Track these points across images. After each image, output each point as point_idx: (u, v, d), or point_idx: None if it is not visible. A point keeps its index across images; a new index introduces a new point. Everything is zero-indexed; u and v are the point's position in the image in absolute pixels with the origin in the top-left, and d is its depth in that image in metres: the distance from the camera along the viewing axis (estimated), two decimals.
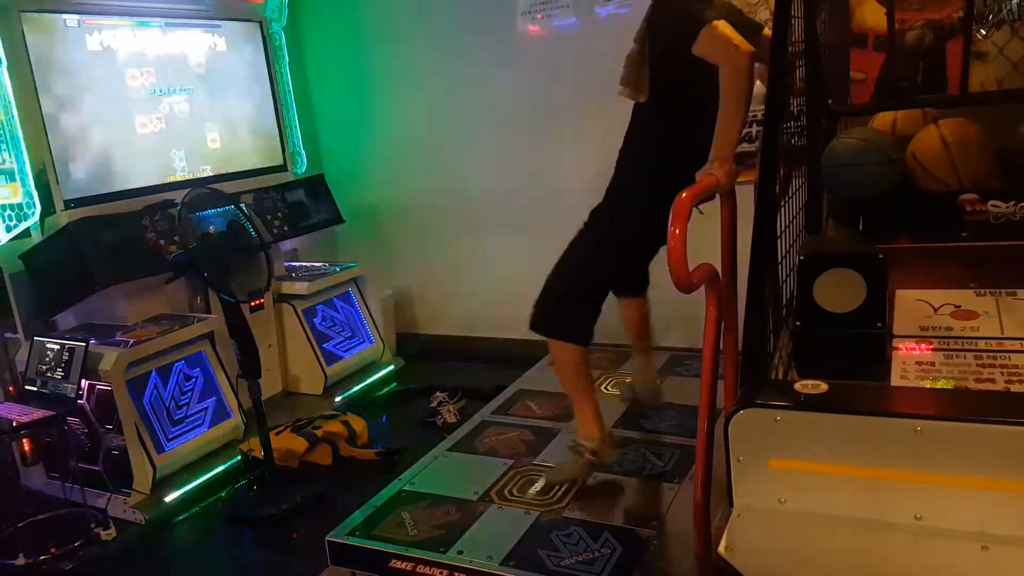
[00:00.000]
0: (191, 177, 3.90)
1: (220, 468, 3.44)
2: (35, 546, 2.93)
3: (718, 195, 2.21)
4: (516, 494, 2.62)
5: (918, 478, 1.26)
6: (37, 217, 3.26)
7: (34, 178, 3.23)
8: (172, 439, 3.37)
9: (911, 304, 1.78)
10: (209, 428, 3.53)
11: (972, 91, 1.91)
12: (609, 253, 2.58)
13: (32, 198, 3.23)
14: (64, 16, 3.38)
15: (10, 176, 3.22)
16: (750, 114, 3.68)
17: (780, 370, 1.68)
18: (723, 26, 2.17)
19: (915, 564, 1.27)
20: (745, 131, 3.75)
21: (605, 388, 3.46)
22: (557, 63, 4.15)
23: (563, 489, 2.62)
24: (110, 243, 3.34)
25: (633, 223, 2.52)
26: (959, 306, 1.75)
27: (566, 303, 2.59)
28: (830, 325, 1.72)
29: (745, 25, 2.51)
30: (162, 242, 3.49)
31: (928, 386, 1.53)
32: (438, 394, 3.92)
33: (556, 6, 4.10)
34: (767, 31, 2.51)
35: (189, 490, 3.29)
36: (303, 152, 4.61)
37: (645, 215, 2.41)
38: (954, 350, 1.63)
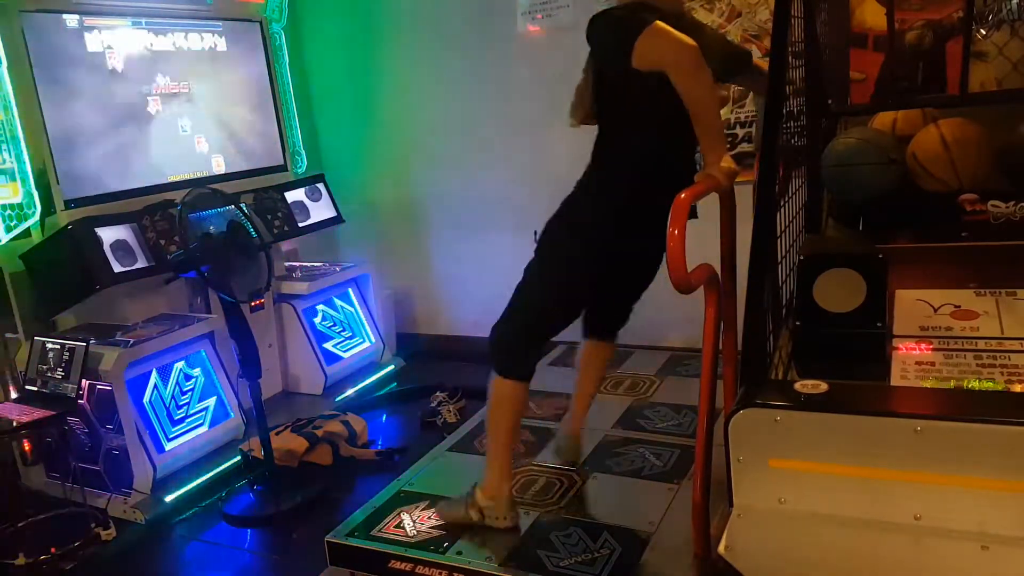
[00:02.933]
0: (191, 177, 3.90)
1: (220, 468, 3.44)
2: (35, 546, 2.93)
3: (717, 195, 2.21)
4: (516, 494, 2.61)
5: (918, 478, 1.26)
6: (37, 217, 3.26)
7: (34, 178, 3.23)
8: (172, 439, 3.37)
9: (911, 304, 1.78)
10: (209, 428, 3.53)
11: (972, 91, 1.91)
12: (552, 290, 2.34)
13: (32, 198, 3.23)
14: (64, 16, 3.38)
15: (10, 176, 3.22)
16: (750, 114, 3.72)
17: (780, 370, 1.68)
18: (663, 25, 1.92)
19: (915, 564, 1.27)
20: (745, 131, 3.77)
21: (603, 388, 3.45)
22: (557, 63, 4.14)
23: (562, 489, 2.62)
24: (110, 243, 3.34)
25: (574, 265, 2.29)
26: (959, 306, 1.75)
27: (507, 337, 2.42)
28: (830, 325, 1.72)
29: (732, 53, 2.39)
30: (162, 242, 3.49)
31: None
32: (438, 394, 3.92)
33: (556, 6, 4.09)
34: (757, 61, 2.41)
35: (189, 490, 3.29)
36: (303, 152, 4.62)
37: (589, 256, 2.26)
38: (954, 350, 1.64)
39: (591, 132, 2.80)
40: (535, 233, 2.42)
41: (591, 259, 2.28)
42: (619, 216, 2.20)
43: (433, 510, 2.55)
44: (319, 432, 3.44)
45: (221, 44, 4.11)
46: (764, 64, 2.30)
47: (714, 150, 2.03)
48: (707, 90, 1.97)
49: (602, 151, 2.28)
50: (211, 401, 3.58)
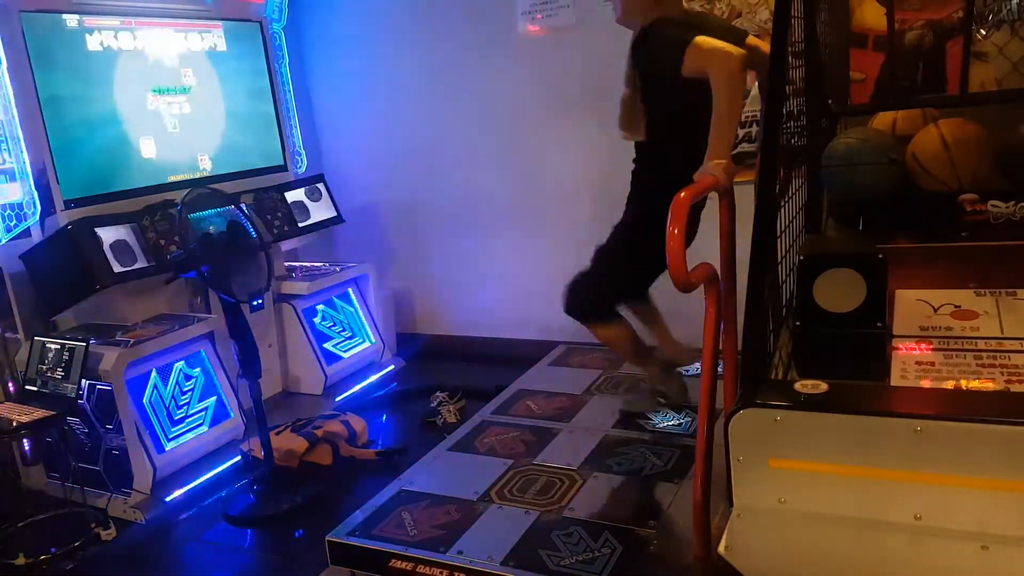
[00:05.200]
0: (191, 177, 3.90)
1: (220, 468, 3.44)
2: (35, 546, 2.93)
3: (717, 194, 2.21)
4: (516, 494, 2.62)
5: (918, 478, 1.26)
6: (37, 217, 3.26)
7: (34, 178, 3.23)
8: (172, 439, 3.37)
9: (911, 304, 1.78)
10: (209, 428, 3.53)
11: (972, 91, 1.91)
12: (627, 264, 2.78)
13: (32, 198, 3.23)
14: (64, 16, 3.38)
15: (10, 176, 3.22)
16: (749, 114, 3.72)
17: (780, 370, 1.68)
18: (705, 39, 2.23)
19: (915, 564, 1.27)
20: (745, 131, 3.77)
21: (603, 388, 3.46)
22: (557, 63, 4.15)
23: (564, 487, 2.62)
24: (110, 243, 3.34)
25: (655, 244, 2.64)
26: (959, 306, 1.75)
27: (593, 297, 2.86)
28: (830, 325, 1.72)
29: (731, 32, 2.59)
30: (162, 242, 3.49)
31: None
32: (438, 394, 3.92)
33: (556, 6, 4.10)
34: (751, 39, 2.60)
35: (189, 490, 3.29)
36: (303, 152, 4.61)
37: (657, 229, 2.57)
38: (954, 350, 1.64)
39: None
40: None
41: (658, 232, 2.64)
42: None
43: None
44: (319, 432, 3.44)
45: (221, 44, 4.11)
46: (762, 43, 2.51)
47: (719, 149, 2.19)
48: (736, 91, 2.22)
49: (652, 148, 2.63)
50: (211, 401, 3.58)
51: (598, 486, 2.65)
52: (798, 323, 1.75)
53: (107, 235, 3.35)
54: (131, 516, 3.12)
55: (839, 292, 1.72)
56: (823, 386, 1.36)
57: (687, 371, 3.20)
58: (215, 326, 3.55)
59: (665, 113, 2.52)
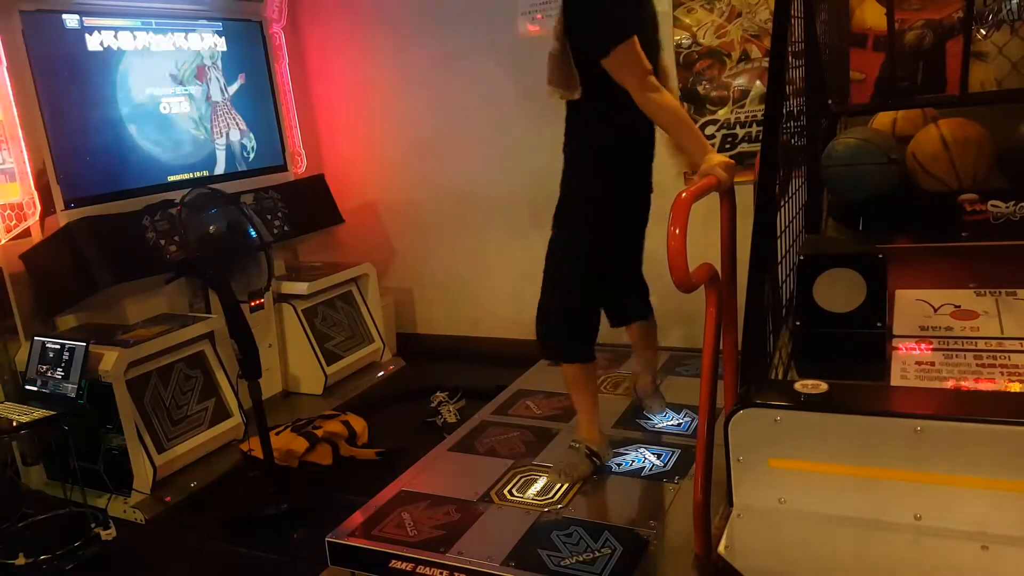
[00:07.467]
0: (191, 177, 3.90)
1: (220, 468, 3.43)
2: (35, 546, 2.93)
3: (718, 194, 2.21)
4: (516, 494, 2.62)
5: (918, 478, 1.26)
6: (37, 217, 3.26)
7: (34, 178, 3.23)
8: (172, 439, 3.37)
9: (911, 304, 1.78)
10: (209, 428, 3.53)
11: (972, 91, 1.91)
12: (582, 268, 2.52)
13: (32, 198, 3.23)
14: (64, 16, 3.38)
15: (10, 176, 3.22)
16: (750, 114, 3.72)
17: (780, 370, 1.68)
18: (633, 49, 2.12)
19: (915, 564, 1.27)
20: (745, 131, 3.76)
21: (603, 388, 3.45)
22: None
23: (564, 488, 2.62)
24: (110, 243, 3.34)
25: (592, 230, 2.48)
26: (959, 306, 1.75)
27: (559, 326, 2.60)
28: (830, 325, 1.72)
29: (653, 42, 2.43)
30: (162, 242, 3.49)
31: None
32: (438, 394, 3.92)
33: (556, 6, 4.06)
34: (665, 61, 2.53)
35: (189, 490, 3.29)
36: (303, 152, 4.62)
37: (602, 218, 2.47)
38: (954, 350, 1.64)
39: None
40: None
41: (605, 217, 2.46)
42: (615, 172, 2.42)
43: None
44: (319, 432, 3.44)
45: (221, 44, 4.11)
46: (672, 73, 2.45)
47: (698, 151, 2.17)
48: (667, 112, 2.17)
49: (586, 118, 2.42)
50: (211, 401, 3.58)
51: (598, 486, 2.65)
52: (798, 323, 1.76)
53: (107, 235, 3.34)
54: (131, 516, 3.12)
55: (839, 292, 1.72)
56: (823, 386, 1.36)
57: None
58: (215, 326, 3.54)
59: (600, 72, 2.25)
